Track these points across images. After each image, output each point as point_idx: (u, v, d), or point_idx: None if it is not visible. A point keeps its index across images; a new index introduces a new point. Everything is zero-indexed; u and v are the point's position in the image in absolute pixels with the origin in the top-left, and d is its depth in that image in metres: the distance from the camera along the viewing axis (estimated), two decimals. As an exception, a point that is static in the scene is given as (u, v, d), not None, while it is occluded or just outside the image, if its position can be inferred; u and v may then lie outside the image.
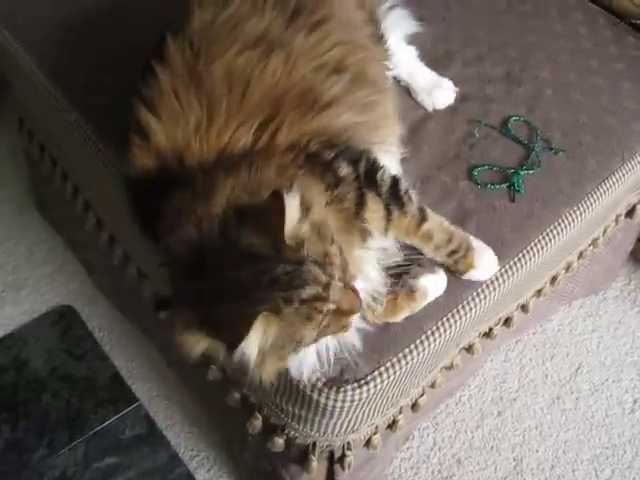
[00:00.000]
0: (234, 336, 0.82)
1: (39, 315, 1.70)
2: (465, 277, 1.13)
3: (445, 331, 1.11)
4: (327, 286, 0.87)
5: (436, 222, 1.11)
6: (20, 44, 1.43)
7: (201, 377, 1.31)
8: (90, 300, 1.73)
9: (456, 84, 1.40)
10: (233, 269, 0.86)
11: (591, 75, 1.50)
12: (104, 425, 1.54)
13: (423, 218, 1.09)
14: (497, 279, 1.17)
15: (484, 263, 1.14)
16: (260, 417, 1.22)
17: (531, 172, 1.30)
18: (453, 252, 1.12)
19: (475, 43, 1.51)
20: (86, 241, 1.63)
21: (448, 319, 1.12)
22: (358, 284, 0.95)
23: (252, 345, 0.85)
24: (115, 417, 1.55)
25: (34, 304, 1.72)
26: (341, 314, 0.90)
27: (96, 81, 1.36)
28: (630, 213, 1.63)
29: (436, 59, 1.45)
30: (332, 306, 0.88)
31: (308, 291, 0.86)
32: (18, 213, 1.89)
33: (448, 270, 1.13)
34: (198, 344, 0.89)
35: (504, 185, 1.27)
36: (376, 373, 1.05)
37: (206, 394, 1.46)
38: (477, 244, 1.14)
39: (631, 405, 1.70)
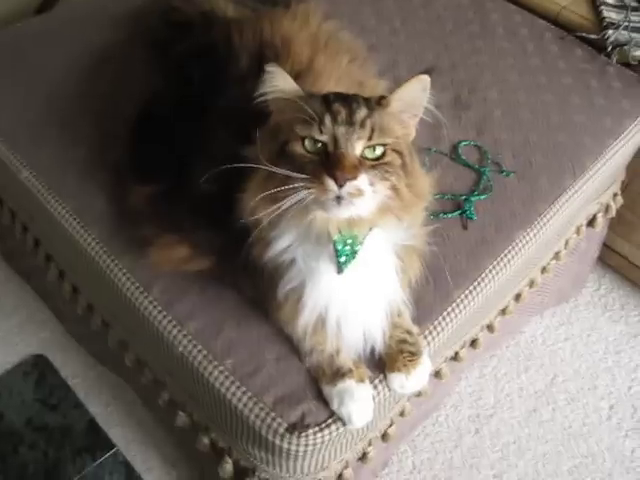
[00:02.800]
0: None
1: (12, 366, 1.69)
2: (391, 377, 1.07)
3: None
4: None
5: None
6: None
7: (173, 421, 1.31)
8: (62, 347, 1.72)
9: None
10: None
11: (540, 92, 1.51)
12: (82, 474, 1.53)
13: None
14: (453, 310, 1.18)
15: (419, 374, 1.07)
16: (230, 461, 1.22)
17: (483, 197, 1.30)
18: (405, 341, 1.07)
19: (423, 68, 1.51)
20: (53, 290, 1.63)
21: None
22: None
23: None
24: (93, 465, 1.55)
25: (6, 356, 1.71)
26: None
27: (41, 136, 1.38)
28: (592, 222, 1.64)
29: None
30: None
31: None
32: (-15, 264, 1.88)
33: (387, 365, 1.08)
34: None
35: (456, 213, 1.28)
36: (336, 416, 1.06)
37: (179, 438, 1.46)
38: (427, 358, 1.09)
39: (607, 412, 1.71)
